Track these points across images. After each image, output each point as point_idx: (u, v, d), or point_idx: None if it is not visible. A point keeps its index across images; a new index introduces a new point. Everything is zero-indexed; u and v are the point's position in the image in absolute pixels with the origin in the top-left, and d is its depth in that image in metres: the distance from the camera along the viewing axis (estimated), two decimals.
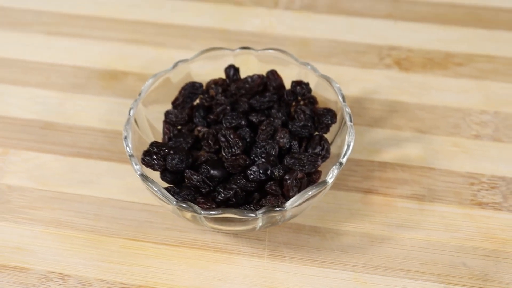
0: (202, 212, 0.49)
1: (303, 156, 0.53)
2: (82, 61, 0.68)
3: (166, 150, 0.53)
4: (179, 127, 0.57)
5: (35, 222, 0.56)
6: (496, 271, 0.53)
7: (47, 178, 0.59)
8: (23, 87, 0.66)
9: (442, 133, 0.62)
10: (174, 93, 0.59)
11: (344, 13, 0.72)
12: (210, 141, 0.54)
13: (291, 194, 0.52)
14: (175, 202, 0.49)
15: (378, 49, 0.69)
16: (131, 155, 0.52)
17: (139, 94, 0.56)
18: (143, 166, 0.53)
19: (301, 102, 0.57)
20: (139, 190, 0.58)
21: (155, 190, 0.50)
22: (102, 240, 0.55)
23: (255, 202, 0.52)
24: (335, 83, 0.56)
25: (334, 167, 0.51)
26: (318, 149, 0.54)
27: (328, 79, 0.56)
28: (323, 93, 0.58)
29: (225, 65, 0.59)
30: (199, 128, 0.56)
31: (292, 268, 0.53)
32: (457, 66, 0.67)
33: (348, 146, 0.52)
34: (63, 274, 0.53)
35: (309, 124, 0.55)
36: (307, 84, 0.57)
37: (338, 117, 0.56)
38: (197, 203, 0.51)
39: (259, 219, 0.49)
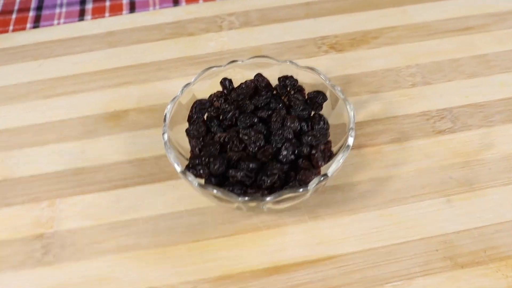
0: (267, 199, 0.42)
1: (315, 132, 0.48)
2: (84, 112, 0.58)
3: (207, 159, 0.46)
4: (201, 138, 0.50)
5: (105, 253, 0.47)
6: (474, 175, 0.51)
7: (98, 214, 0.50)
8: (44, 146, 0.55)
9: (388, 89, 0.59)
10: (182, 113, 0.51)
11: (274, 21, 0.67)
12: (235, 142, 0.48)
13: (320, 164, 0.47)
14: (241, 200, 0.42)
15: (312, 41, 0.64)
16: (183, 171, 0.44)
17: (164, 120, 0.48)
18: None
19: (292, 92, 0.52)
20: (180, 200, 0.50)
21: (219, 194, 0.43)
22: (169, 250, 0.47)
23: (294, 179, 0.46)
24: (318, 69, 0.51)
25: (350, 133, 0.46)
26: (321, 124, 0.50)
27: (311, 68, 0.51)
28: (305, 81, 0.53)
29: (217, 80, 0.53)
30: (219, 135, 0.49)
31: (331, 222, 0.49)
32: (374, 39, 0.64)
33: (353, 114, 0.48)
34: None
35: (306, 107, 0.50)
36: (292, 77, 0.52)
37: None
38: (250, 193, 0.44)
39: (310, 191, 0.43)
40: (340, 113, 0.51)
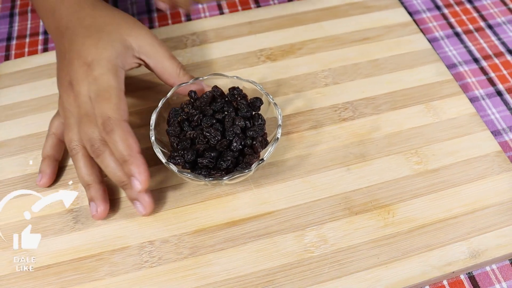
0: (224, 179, 0.54)
1: (255, 128, 0.59)
2: None
3: (182, 152, 0.57)
4: (177, 136, 0.60)
5: (117, 219, 0.58)
6: (366, 150, 0.63)
7: (109, 192, 0.60)
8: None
9: (308, 89, 0.69)
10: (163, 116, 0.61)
11: (225, 38, 0.76)
12: (201, 138, 0.59)
13: (259, 150, 0.58)
14: (206, 180, 0.54)
15: (253, 53, 0.74)
16: (166, 162, 0.55)
17: (150, 127, 0.58)
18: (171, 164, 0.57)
19: (238, 99, 0.62)
20: (166, 180, 0.61)
21: (192, 177, 0.54)
22: (160, 214, 0.58)
23: (241, 162, 0.57)
24: (258, 84, 0.62)
25: (278, 129, 0.57)
26: (259, 121, 0.61)
27: (252, 82, 0.62)
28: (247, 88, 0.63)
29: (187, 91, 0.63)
30: (189, 132, 0.60)
31: (269, 188, 0.60)
32: (299, 50, 0.74)
33: (280, 115, 0.59)
34: (150, 240, 0.56)
35: (249, 109, 0.61)
36: (238, 88, 0.62)
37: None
38: (212, 174, 0.56)
39: (252, 170, 0.55)
40: (272, 111, 0.62)
